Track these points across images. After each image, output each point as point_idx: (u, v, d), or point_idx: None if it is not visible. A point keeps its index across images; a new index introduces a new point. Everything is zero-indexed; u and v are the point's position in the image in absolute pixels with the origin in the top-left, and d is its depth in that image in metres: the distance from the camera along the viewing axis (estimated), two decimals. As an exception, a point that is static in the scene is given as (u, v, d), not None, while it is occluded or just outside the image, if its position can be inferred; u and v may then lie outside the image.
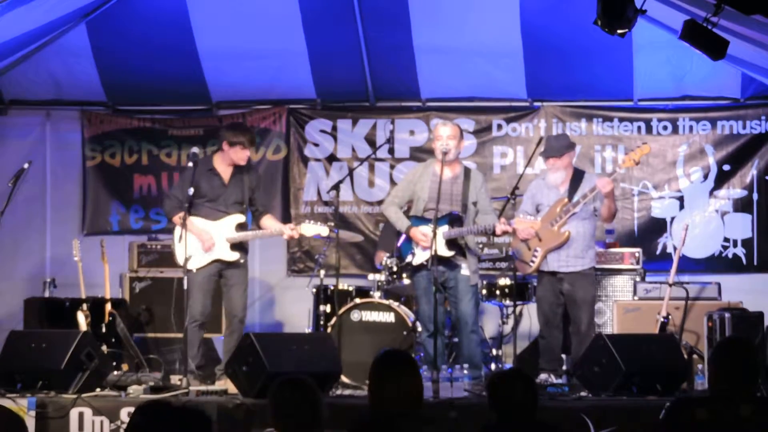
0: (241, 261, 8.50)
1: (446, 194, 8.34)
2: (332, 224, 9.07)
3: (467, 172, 8.53)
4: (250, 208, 8.63)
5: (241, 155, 8.43)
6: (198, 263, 8.32)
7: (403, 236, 8.58)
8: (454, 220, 8.34)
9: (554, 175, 8.60)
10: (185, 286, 8.10)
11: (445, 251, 8.28)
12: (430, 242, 8.11)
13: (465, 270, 8.37)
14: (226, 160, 8.48)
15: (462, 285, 8.38)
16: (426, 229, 8.28)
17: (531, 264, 8.57)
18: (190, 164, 8.26)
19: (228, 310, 8.53)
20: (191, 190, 8.13)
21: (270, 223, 8.66)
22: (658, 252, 10.38)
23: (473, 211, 8.41)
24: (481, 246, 10.30)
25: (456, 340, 8.82)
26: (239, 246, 8.48)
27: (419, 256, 8.41)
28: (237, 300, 8.48)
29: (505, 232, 8.24)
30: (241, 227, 8.49)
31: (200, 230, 8.34)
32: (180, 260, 8.34)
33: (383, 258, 9.24)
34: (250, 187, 8.56)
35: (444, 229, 8.27)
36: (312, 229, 8.50)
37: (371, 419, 4.59)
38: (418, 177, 8.60)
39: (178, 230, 8.35)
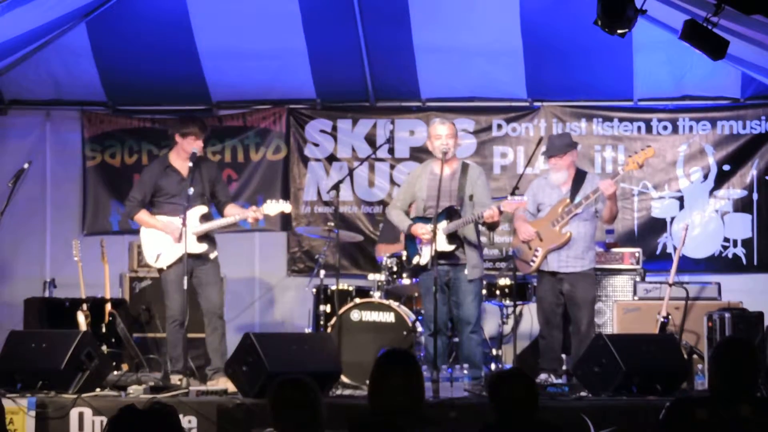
0: (210, 255, 8.48)
1: (444, 191, 8.30)
2: (332, 224, 9.09)
3: (464, 167, 8.49)
4: (212, 200, 8.61)
5: (194, 145, 8.39)
6: (168, 260, 8.32)
7: (406, 238, 8.57)
8: (452, 213, 8.33)
9: (557, 174, 8.59)
10: (184, 286, 8.08)
11: (446, 246, 8.27)
12: (431, 235, 8.12)
13: (467, 269, 8.35)
14: (181, 155, 8.46)
15: (464, 286, 8.35)
16: (427, 225, 8.30)
17: (531, 264, 8.57)
18: (191, 164, 8.26)
19: (206, 309, 8.49)
20: (191, 190, 8.13)
21: (235, 210, 8.65)
22: (658, 252, 10.38)
23: (470, 204, 8.37)
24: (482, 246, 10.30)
25: (456, 340, 8.81)
26: (206, 238, 8.46)
27: (425, 255, 8.37)
28: (213, 297, 8.47)
29: (492, 217, 8.15)
30: (205, 218, 8.47)
31: (164, 224, 8.34)
32: (151, 261, 8.41)
33: (384, 252, 9.24)
34: (209, 180, 8.53)
35: (443, 225, 8.26)
36: (274, 207, 8.46)
37: (371, 419, 4.59)
38: (416, 178, 8.59)
39: (142, 232, 8.52)
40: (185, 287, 8.08)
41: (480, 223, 8.28)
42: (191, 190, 8.13)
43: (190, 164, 8.27)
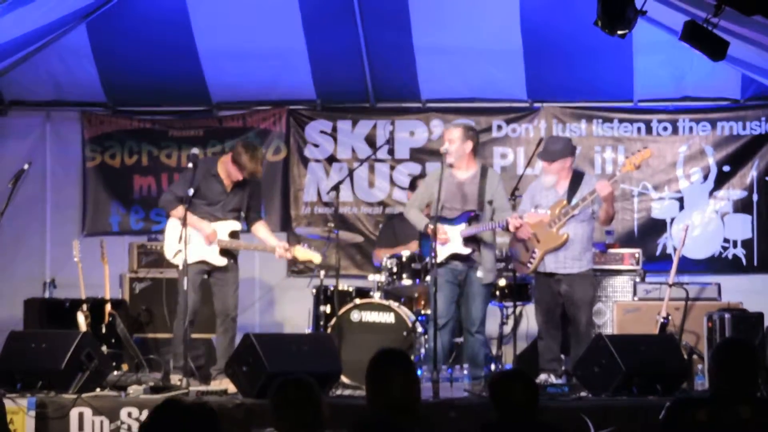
0: (230, 264, 8.49)
1: (463, 194, 8.42)
2: (332, 225, 9.09)
3: (484, 171, 8.57)
4: (244, 212, 8.63)
5: (235, 174, 8.41)
6: (188, 259, 8.29)
7: (422, 237, 8.67)
8: (472, 218, 8.39)
9: (546, 177, 8.63)
10: (185, 286, 8.08)
11: (462, 249, 8.36)
12: (447, 237, 8.28)
13: (480, 272, 8.40)
14: (227, 170, 8.48)
15: (475, 287, 8.41)
16: (442, 227, 8.33)
17: (528, 265, 8.57)
18: (190, 165, 8.26)
19: (220, 310, 8.51)
20: (191, 191, 8.12)
21: (264, 234, 8.68)
22: (658, 253, 10.38)
23: (489, 209, 8.45)
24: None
25: (460, 340, 8.84)
26: (228, 252, 8.47)
27: (440, 254, 8.39)
28: (229, 299, 8.48)
29: (517, 227, 8.26)
30: (234, 235, 8.49)
31: (201, 225, 8.34)
32: (170, 255, 8.37)
33: (382, 257, 9.25)
34: (249, 194, 8.57)
35: (461, 228, 8.36)
36: (305, 254, 8.51)
37: (371, 419, 4.59)
38: (434, 179, 8.61)
39: (170, 224, 8.45)
40: (185, 288, 8.08)
41: (504, 230, 8.38)
42: (191, 191, 8.12)
43: (190, 164, 8.26)
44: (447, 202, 8.41)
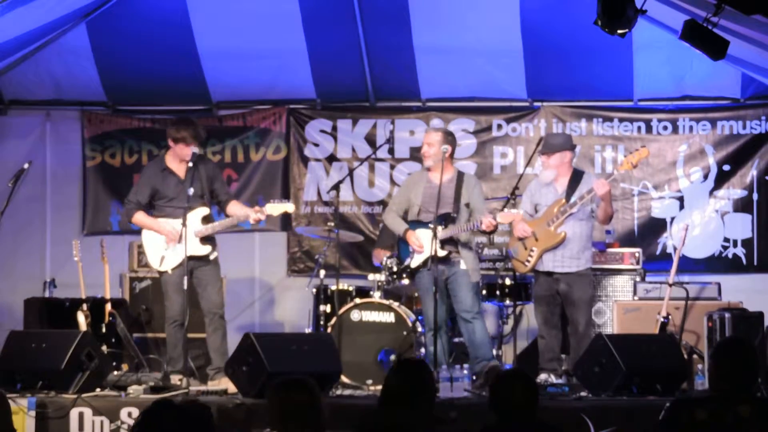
0: (211, 256, 8.45)
1: (441, 197, 8.36)
2: (332, 224, 9.09)
3: (460, 175, 8.59)
4: (212, 200, 8.58)
5: (185, 152, 8.34)
6: (172, 263, 8.29)
7: (399, 240, 8.65)
8: (448, 220, 8.38)
9: (545, 172, 8.65)
10: (184, 285, 8.06)
11: (439, 251, 8.32)
12: (423, 248, 8.31)
13: (463, 265, 8.39)
14: (177, 158, 8.44)
15: (460, 278, 8.40)
16: (421, 234, 8.39)
17: (527, 264, 8.57)
18: (190, 164, 8.27)
19: (207, 309, 8.46)
20: (191, 190, 8.12)
21: (235, 209, 8.58)
22: (658, 252, 10.37)
23: (466, 212, 8.46)
24: (481, 246, 10.30)
25: (457, 339, 8.83)
26: (208, 239, 8.45)
27: (417, 259, 8.46)
28: (214, 297, 8.45)
29: (490, 226, 8.24)
30: (206, 219, 8.46)
31: (160, 225, 8.32)
32: (155, 263, 8.37)
33: (382, 257, 9.25)
34: (208, 178, 8.48)
35: (437, 231, 8.31)
36: (277, 207, 8.43)
37: (379, 419, 4.60)
38: (413, 184, 8.67)
39: (143, 235, 8.50)
40: (185, 288, 8.08)
41: (477, 230, 8.37)
42: (191, 191, 8.13)
43: (191, 164, 8.26)
44: (424, 205, 8.44)
